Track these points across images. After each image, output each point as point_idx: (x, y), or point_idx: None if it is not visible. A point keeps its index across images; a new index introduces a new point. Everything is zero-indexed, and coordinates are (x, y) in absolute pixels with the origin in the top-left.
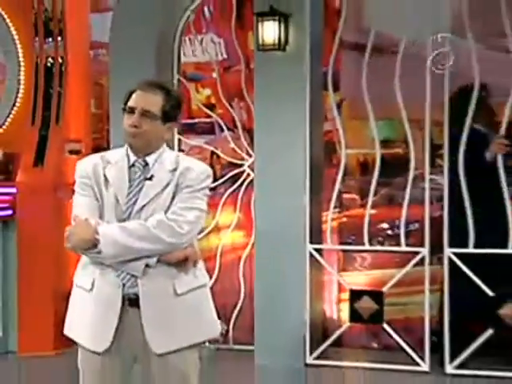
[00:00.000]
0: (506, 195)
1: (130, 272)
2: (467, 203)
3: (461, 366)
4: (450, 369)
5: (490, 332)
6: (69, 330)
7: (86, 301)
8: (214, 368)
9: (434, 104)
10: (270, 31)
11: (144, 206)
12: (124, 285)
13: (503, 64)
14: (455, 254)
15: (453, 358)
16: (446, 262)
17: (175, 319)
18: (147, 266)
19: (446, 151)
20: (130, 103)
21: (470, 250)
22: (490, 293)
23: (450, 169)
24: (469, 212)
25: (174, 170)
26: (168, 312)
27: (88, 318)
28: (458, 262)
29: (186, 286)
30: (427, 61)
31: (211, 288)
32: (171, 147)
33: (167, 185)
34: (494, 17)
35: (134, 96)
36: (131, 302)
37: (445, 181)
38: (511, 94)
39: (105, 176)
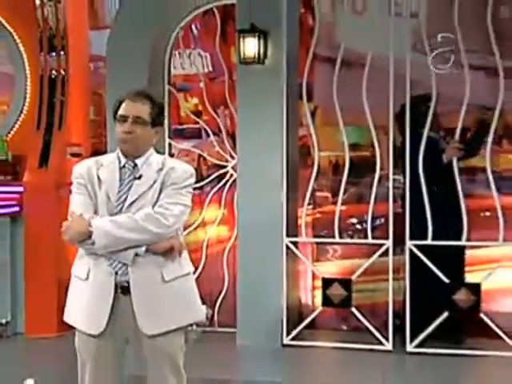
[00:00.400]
0: (460, 193)
1: (121, 261)
2: (426, 201)
3: (420, 345)
4: (410, 347)
5: (445, 315)
6: (67, 317)
7: (83, 289)
8: (201, 349)
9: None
10: (250, 46)
11: (133, 202)
12: (116, 273)
13: (456, 77)
14: (416, 245)
15: (413, 338)
16: (407, 252)
17: (163, 304)
18: (137, 255)
19: (407, 154)
20: (122, 112)
21: (429, 242)
22: (446, 280)
23: (411, 170)
24: (428, 208)
25: (160, 169)
26: (157, 297)
27: (84, 304)
28: (418, 253)
29: (172, 274)
30: (390, 73)
31: (199, 276)
32: (160, 152)
33: (154, 183)
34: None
35: (124, 106)
36: (123, 289)
37: (406, 180)
38: (464, 103)
39: (98, 177)
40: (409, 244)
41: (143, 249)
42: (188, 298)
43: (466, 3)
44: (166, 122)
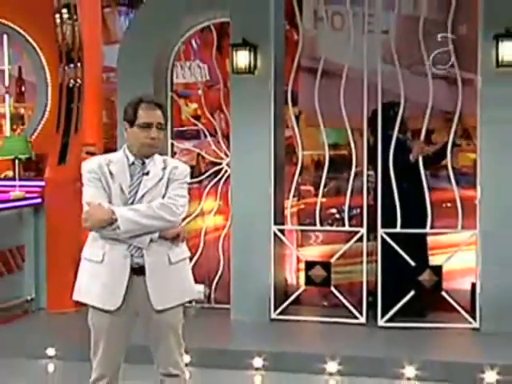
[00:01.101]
0: (424, 187)
1: (138, 245)
2: (395, 193)
3: (390, 320)
4: (381, 322)
5: (412, 293)
6: (79, 296)
7: (97, 270)
8: (199, 322)
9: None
10: (242, 58)
11: (144, 195)
12: (132, 255)
13: (422, 85)
14: (386, 233)
15: (384, 313)
16: (379, 239)
17: (170, 283)
18: (151, 240)
19: (379, 153)
20: (146, 120)
21: (398, 229)
22: (412, 263)
23: (382, 167)
24: (397, 200)
25: (164, 168)
26: (165, 277)
27: (100, 283)
28: (389, 239)
29: (177, 257)
30: (364, 82)
31: (198, 260)
32: (161, 152)
33: (161, 179)
34: (416, 49)
35: (144, 113)
36: (135, 270)
37: (378, 176)
38: (428, 107)
39: (110, 171)
40: (380, 231)
41: (156, 234)
42: (187, 279)
43: (429, 22)
44: (168, 124)
